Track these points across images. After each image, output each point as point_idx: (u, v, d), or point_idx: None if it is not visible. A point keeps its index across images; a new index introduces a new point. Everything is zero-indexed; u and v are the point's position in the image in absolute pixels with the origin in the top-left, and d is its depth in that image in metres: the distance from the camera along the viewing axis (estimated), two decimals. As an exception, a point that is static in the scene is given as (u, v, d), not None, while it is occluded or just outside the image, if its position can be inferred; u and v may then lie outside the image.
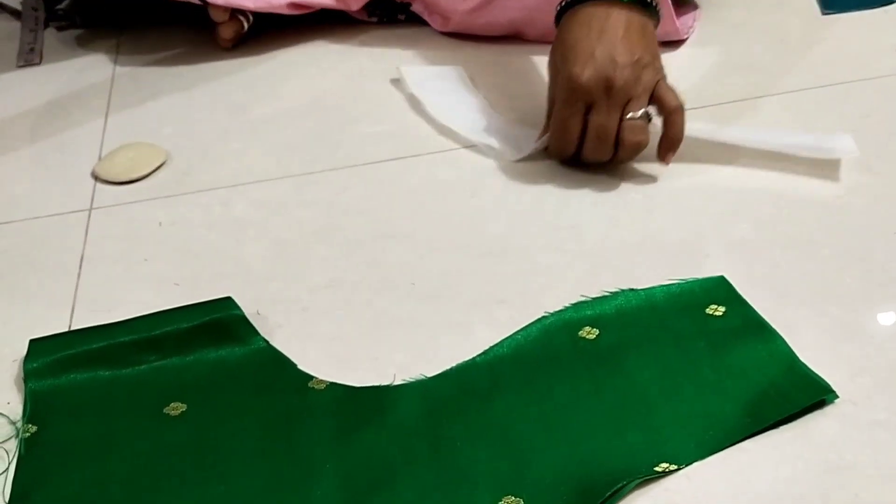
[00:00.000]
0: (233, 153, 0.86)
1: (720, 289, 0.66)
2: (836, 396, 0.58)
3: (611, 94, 0.74)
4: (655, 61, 0.76)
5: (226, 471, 0.56)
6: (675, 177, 0.79)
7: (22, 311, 0.68)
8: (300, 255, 0.73)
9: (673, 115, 0.75)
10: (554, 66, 0.78)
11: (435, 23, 1.02)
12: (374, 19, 1.05)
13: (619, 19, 0.75)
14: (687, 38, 0.96)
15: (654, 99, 0.76)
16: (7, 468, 0.57)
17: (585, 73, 0.74)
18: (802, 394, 0.58)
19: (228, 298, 0.66)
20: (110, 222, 0.77)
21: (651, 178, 0.79)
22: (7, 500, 0.55)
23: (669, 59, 0.91)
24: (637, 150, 0.76)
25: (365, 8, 1.03)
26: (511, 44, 0.98)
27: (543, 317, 0.65)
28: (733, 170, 0.79)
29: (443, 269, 0.71)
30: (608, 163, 0.77)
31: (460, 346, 0.63)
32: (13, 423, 0.60)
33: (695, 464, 0.55)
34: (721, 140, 0.80)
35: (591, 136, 0.75)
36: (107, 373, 0.63)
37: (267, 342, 0.64)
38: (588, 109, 0.75)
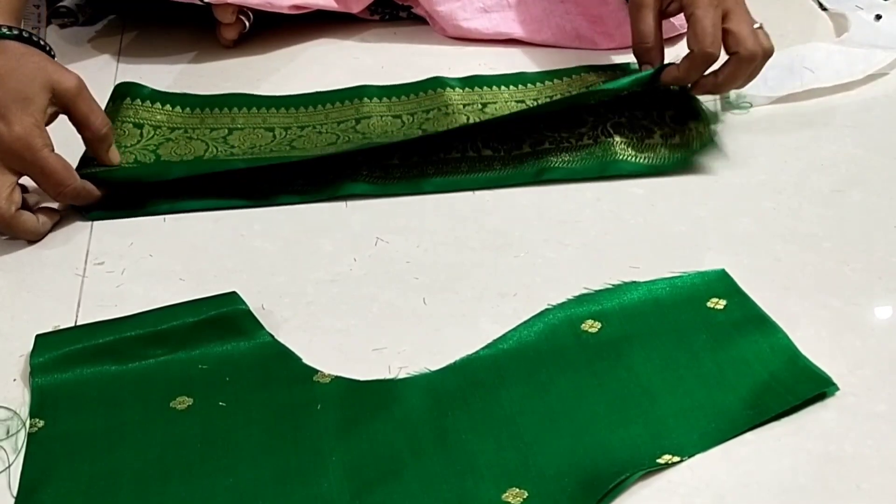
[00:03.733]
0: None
1: (721, 282, 0.67)
2: (837, 389, 0.58)
3: (739, 2, 0.78)
4: None
5: (233, 464, 0.57)
6: (676, 171, 0.79)
7: (29, 307, 0.69)
8: (305, 250, 0.73)
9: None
10: None
11: (435, 27, 1.02)
12: (377, 17, 1.05)
13: None
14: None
15: None
16: (13, 462, 0.58)
17: None
18: (803, 386, 0.58)
19: (233, 293, 0.67)
20: (115, 218, 0.78)
21: (652, 173, 0.79)
22: (15, 494, 0.56)
23: (670, 53, 0.91)
24: (768, 57, 0.79)
25: (367, 7, 1.04)
26: (513, 43, 0.99)
27: (546, 310, 0.65)
28: (733, 162, 0.80)
29: (446, 263, 0.71)
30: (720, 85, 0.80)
31: (464, 339, 0.64)
32: (20, 417, 0.60)
33: (697, 455, 0.55)
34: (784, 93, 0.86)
35: (745, 33, 0.76)
36: (113, 367, 0.63)
37: (272, 336, 0.65)
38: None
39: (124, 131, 0.84)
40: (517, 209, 0.76)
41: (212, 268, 0.72)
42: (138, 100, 0.87)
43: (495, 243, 0.73)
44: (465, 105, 0.86)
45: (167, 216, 0.77)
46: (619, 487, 0.53)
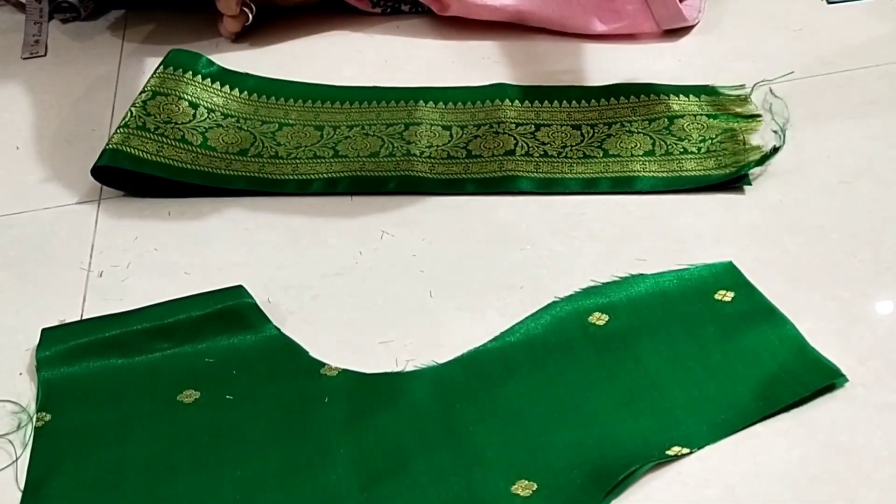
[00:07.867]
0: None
1: (728, 274, 0.66)
2: (846, 380, 0.58)
3: None
4: None
5: (240, 456, 0.56)
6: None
7: (34, 301, 0.69)
8: (310, 243, 0.73)
9: None
10: None
11: (435, 7, 1.02)
12: (378, 10, 1.05)
13: None
14: (695, 25, 0.96)
15: None
16: (20, 455, 0.58)
17: None
18: (813, 377, 0.58)
19: (240, 286, 0.66)
20: (120, 212, 0.77)
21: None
22: (23, 486, 0.56)
23: (677, 46, 0.91)
24: None
25: (369, -1, 1.03)
26: (512, 31, 0.99)
27: (553, 303, 0.65)
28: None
29: (452, 256, 0.71)
30: None
31: (471, 332, 0.64)
32: (27, 411, 0.60)
33: (707, 447, 0.55)
34: None
35: None
36: (119, 361, 0.63)
37: (279, 329, 0.64)
38: None
39: (179, 108, 0.84)
40: (522, 201, 0.76)
41: (216, 261, 0.72)
42: (199, 76, 0.86)
43: (501, 236, 0.73)
44: (517, 125, 0.83)
45: (171, 210, 0.77)
46: (629, 479, 0.53)
